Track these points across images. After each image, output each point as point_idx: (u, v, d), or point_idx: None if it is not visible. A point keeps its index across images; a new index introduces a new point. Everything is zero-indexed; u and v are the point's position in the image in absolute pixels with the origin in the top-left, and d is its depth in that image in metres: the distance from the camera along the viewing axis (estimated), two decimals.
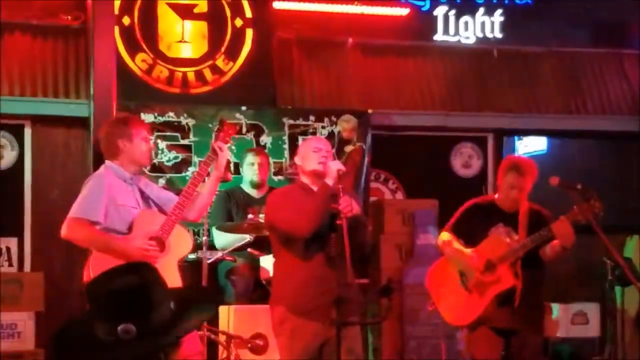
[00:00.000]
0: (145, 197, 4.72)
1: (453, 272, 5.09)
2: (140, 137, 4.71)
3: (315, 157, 4.58)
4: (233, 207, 6.48)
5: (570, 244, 4.81)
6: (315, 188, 4.53)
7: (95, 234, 4.51)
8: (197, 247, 6.33)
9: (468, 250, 5.01)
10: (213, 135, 7.14)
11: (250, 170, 6.56)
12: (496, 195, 5.18)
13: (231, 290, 6.29)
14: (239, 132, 7.14)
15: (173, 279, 4.45)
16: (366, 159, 7.73)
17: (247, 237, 6.09)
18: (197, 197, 4.78)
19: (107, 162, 4.73)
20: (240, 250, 6.22)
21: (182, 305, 2.59)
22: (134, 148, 4.68)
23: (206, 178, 4.90)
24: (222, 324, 5.82)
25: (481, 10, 8.54)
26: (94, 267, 4.45)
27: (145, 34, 7.60)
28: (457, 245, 5.07)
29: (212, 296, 2.98)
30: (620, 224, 7.75)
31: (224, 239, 6.32)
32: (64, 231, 4.56)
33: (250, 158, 6.59)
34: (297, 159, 4.75)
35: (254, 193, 6.54)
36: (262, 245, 6.11)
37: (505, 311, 4.94)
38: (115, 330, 2.44)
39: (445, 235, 5.16)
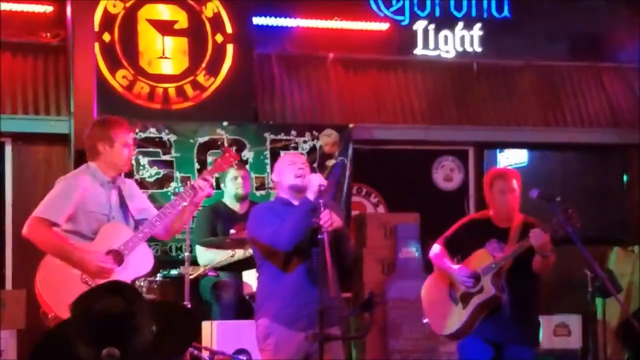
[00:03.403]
0: (123, 204, 4.70)
1: (443, 285, 5.17)
2: (121, 142, 4.67)
3: (291, 170, 4.60)
4: (218, 223, 6.47)
5: (545, 250, 4.84)
6: (295, 202, 4.55)
7: (55, 239, 4.49)
8: (179, 262, 6.33)
9: (456, 266, 5.07)
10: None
11: (234, 184, 6.56)
12: (491, 212, 5.21)
13: (216, 306, 6.28)
14: (221, 147, 7.15)
15: None
16: (347, 173, 7.76)
17: (230, 254, 6.09)
18: (172, 218, 4.76)
19: (89, 163, 4.71)
20: (223, 266, 6.22)
21: (163, 329, 2.58)
22: (113, 152, 4.64)
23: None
24: (205, 340, 5.81)
25: (460, 24, 8.60)
26: (43, 274, 4.45)
27: (125, 50, 7.60)
28: (446, 260, 5.13)
29: (193, 318, 2.93)
30: (600, 235, 7.81)
31: (207, 257, 6.31)
32: (25, 229, 4.54)
33: (233, 172, 6.60)
34: (274, 177, 4.76)
35: (237, 208, 6.54)
36: (245, 264, 6.11)
37: (494, 323, 4.98)
38: (99, 354, 2.43)
39: (436, 248, 5.21)
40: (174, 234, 4.97)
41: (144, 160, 7.29)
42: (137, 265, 4.60)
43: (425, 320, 5.30)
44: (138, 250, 4.58)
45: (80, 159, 6.44)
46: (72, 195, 4.54)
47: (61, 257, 4.47)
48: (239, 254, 6.13)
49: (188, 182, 4.89)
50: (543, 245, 4.81)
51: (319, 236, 4.31)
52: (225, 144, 7.43)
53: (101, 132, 4.69)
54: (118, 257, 4.53)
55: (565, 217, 4.78)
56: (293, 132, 7.70)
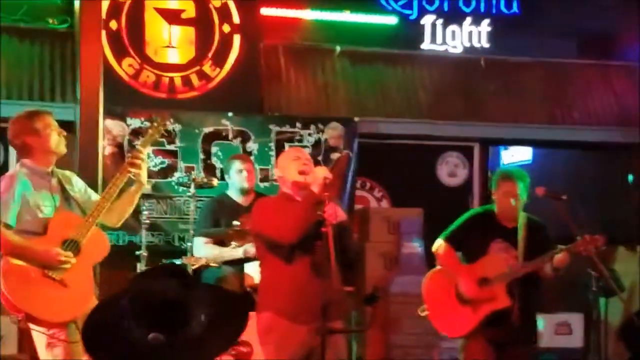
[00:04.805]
0: (65, 192, 4.62)
1: (449, 283, 5.11)
2: (48, 128, 4.57)
3: (294, 165, 4.56)
4: (222, 215, 6.43)
5: (563, 268, 4.91)
6: (298, 198, 4.53)
7: (10, 240, 4.36)
8: (181, 252, 6.32)
9: (464, 278, 5.04)
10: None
11: (239, 177, 6.51)
12: (495, 208, 5.18)
13: None
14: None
15: (86, 283, 4.43)
16: (352, 167, 7.74)
17: (227, 255, 6.08)
18: (116, 203, 4.67)
19: (22, 160, 4.60)
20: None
21: (212, 321, 2.55)
22: (44, 140, 4.55)
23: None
24: None
25: (468, 19, 8.57)
26: (4, 274, 4.32)
27: (132, 38, 7.59)
28: (454, 261, 5.11)
29: (244, 306, 2.89)
30: (604, 234, 7.77)
31: (203, 251, 6.25)
32: None
33: (238, 165, 6.55)
34: (277, 171, 4.74)
35: (241, 200, 6.51)
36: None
37: (499, 325, 4.97)
38: (145, 336, 2.42)
39: (442, 246, 5.17)
40: (122, 218, 4.84)
41: (148, 150, 7.26)
42: (94, 251, 4.52)
43: (424, 313, 5.19)
44: (92, 236, 4.50)
45: (86, 146, 6.44)
46: (12, 194, 4.44)
47: (17, 257, 4.36)
48: (237, 252, 6.09)
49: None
50: (563, 264, 4.89)
51: (323, 229, 4.30)
52: (231, 136, 7.43)
53: (24, 126, 4.57)
54: (74, 246, 4.44)
55: (591, 240, 4.81)
56: (298, 125, 7.68)
